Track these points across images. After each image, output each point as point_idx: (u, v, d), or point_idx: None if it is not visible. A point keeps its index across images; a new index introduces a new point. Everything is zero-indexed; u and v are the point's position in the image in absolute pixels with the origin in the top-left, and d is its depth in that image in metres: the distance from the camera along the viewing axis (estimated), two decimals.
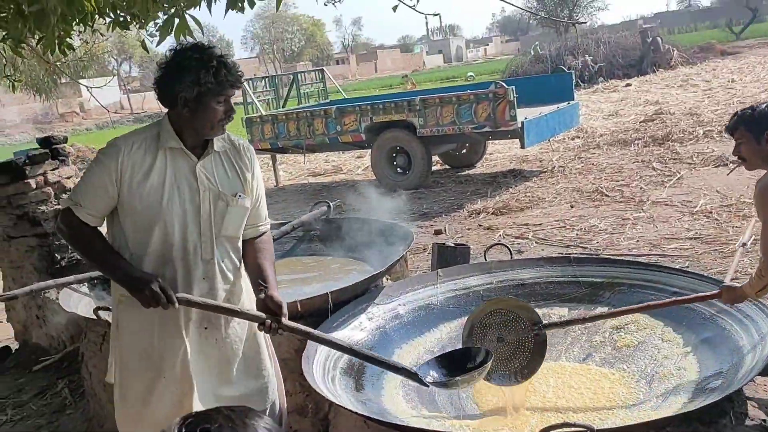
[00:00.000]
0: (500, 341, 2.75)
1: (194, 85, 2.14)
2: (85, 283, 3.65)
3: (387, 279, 3.72)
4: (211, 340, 2.32)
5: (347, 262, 4.11)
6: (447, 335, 3.20)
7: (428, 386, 2.29)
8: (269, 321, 2.21)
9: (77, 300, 3.52)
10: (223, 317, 2.31)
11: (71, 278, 3.58)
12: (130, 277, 2.17)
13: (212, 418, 0.89)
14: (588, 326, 3.07)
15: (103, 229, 2.30)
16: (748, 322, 2.59)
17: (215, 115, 2.21)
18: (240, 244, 2.38)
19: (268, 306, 2.23)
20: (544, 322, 2.78)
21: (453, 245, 4.20)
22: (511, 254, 3.78)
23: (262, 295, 2.24)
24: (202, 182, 2.25)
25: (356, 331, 3.09)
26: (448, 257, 4.10)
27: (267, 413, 2.51)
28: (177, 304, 2.17)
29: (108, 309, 2.97)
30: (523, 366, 2.68)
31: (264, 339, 2.50)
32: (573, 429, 1.85)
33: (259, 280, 2.29)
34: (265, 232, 2.45)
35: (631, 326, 2.97)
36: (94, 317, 2.96)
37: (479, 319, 2.80)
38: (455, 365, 2.32)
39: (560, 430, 1.87)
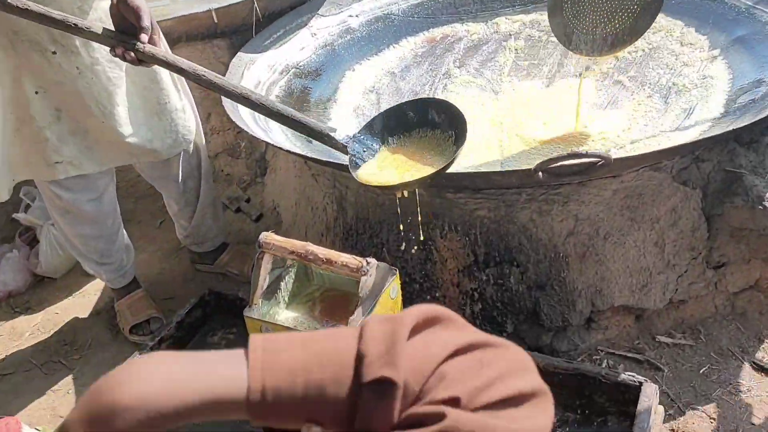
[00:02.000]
0: None
1: None
2: None
3: None
4: (71, 69, 1.67)
5: None
6: (410, 52, 2.63)
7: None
8: (120, 47, 1.39)
9: None
10: (77, 37, 1.57)
11: None
12: None
13: None
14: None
15: None
16: None
17: None
18: None
19: (123, 15, 1.40)
20: None
21: None
22: None
23: None
24: None
25: (296, 51, 2.47)
26: None
27: (182, 158, 1.97)
28: None
29: None
30: (620, 32, 2.01)
31: None
32: (584, 160, 1.33)
33: None
34: None
35: None
36: None
37: None
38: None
39: (565, 162, 1.34)
